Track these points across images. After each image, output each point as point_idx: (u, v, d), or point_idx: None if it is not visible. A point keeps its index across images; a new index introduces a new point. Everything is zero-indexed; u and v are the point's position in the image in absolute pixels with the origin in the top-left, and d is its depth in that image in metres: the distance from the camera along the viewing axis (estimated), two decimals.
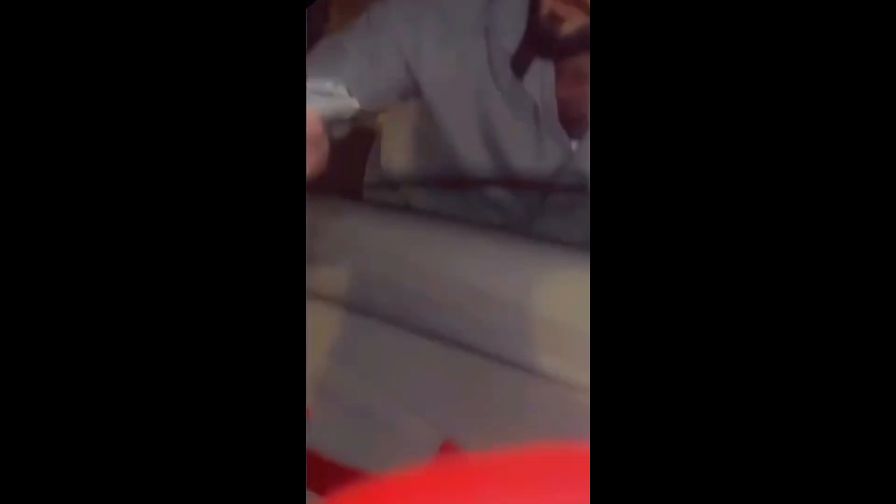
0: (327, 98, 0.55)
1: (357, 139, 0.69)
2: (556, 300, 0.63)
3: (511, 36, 0.70)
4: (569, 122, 0.74)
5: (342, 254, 0.74)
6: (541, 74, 0.71)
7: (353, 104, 0.56)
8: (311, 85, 0.53)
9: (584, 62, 0.67)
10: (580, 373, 0.58)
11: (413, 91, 0.76)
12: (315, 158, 0.54)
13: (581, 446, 0.31)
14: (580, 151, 0.74)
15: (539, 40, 0.67)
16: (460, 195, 0.83)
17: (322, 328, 0.72)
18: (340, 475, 0.68)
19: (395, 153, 0.91)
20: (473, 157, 0.79)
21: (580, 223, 0.66)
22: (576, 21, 0.63)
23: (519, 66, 0.71)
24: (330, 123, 0.55)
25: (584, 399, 0.56)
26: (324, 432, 0.69)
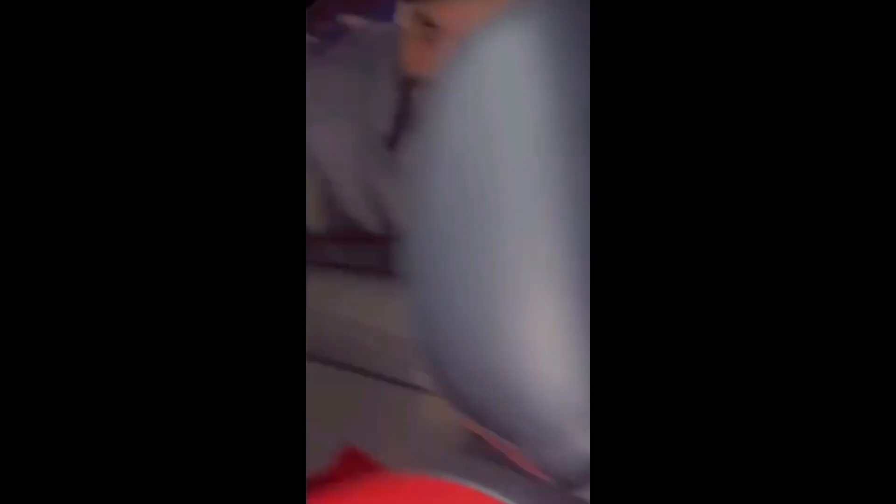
0: None
1: None
2: None
3: (382, 118, 0.87)
4: None
5: None
6: (408, 145, 0.87)
7: None
8: None
9: None
10: None
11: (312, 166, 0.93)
12: None
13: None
14: None
15: (405, 121, 0.84)
16: (356, 248, 1.02)
17: None
18: None
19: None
20: (362, 216, 0.97)
21: None
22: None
23: (391, 141, 0.88)
24: None
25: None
26: None
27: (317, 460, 0.73)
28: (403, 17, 0.85)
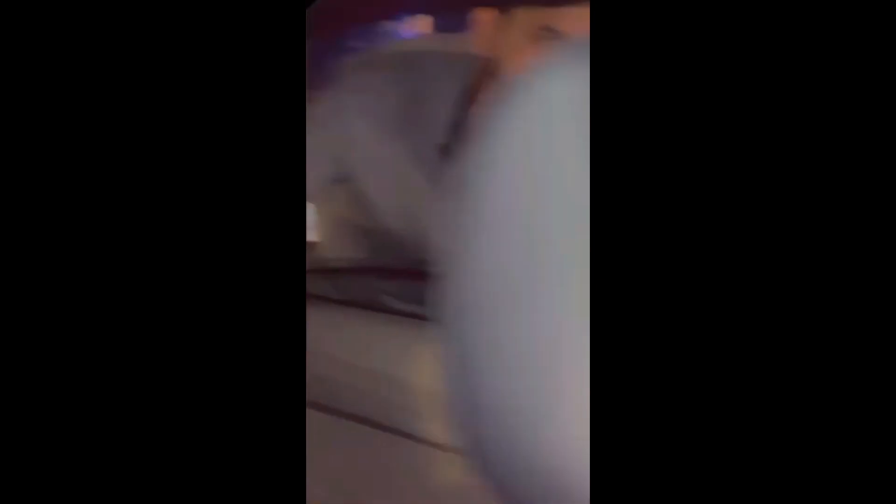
0: None
1: None
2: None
3: (435, 127, 0.78)
4: None
5: None
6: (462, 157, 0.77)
7: None
8: None
9: None
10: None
11: (343, 178, 0.84)
12: None
13: None
14: None
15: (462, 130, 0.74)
16: (390, 282, 0.87)
17: None
18: None
19: (328, 236, 0.95)
20: (398, 237, 0.85)
21: None
22: None
23: (447, 151, 0.78)
24: None
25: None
26: None
27: None
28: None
